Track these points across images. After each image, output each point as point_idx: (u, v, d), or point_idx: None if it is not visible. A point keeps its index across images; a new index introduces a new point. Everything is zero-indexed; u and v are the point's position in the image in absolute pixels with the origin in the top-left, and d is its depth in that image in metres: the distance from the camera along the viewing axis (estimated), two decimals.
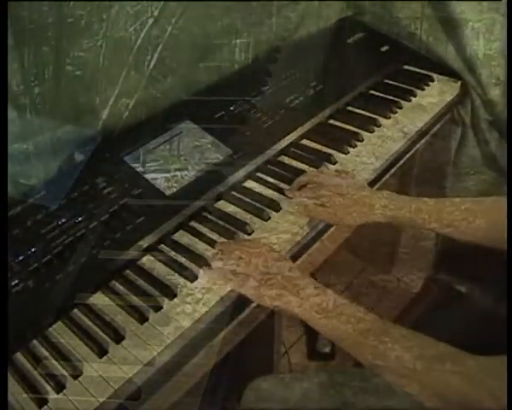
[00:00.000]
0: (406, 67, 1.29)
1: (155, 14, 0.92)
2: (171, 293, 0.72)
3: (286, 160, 0.99)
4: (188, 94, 1.05)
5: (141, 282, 0.74)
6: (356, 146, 1.01)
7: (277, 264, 0.72)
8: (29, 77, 0.79)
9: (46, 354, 0.65)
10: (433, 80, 1.22)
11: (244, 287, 0.71)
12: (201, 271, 0.75)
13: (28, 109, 0.80)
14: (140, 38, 0.92)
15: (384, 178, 1.00)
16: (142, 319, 0.68)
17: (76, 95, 0.88)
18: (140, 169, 0.89)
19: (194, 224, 0.84)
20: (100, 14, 0.86)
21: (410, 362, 0.57)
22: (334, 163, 0.97)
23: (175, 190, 0.86)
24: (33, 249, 0.74)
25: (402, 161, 1.05)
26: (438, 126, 1.15)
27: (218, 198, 0.89)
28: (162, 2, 0.92)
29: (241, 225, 0.82)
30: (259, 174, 0.94)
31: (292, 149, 1.00)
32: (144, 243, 0.78)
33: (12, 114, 0.77)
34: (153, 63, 0.96)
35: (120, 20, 0.89)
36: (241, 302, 0.73)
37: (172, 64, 1.00)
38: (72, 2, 0.81)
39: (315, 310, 0.66)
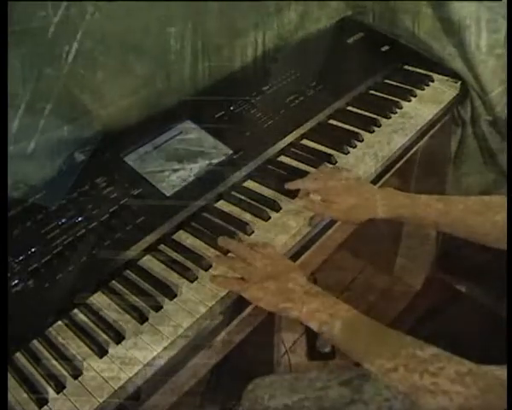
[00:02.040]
0: (406, 67, 1.29)
1: None
2: (171, 293, 0.72)
3: (286, 160, 0.99)
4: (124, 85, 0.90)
5: (141, 282, 0.74)
6: (356, 146, 1.01)
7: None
8: None
9: (46, 354, 0.65)
10: (433, 80, 1.22)
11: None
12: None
13: None
14: (53, 24, 0.74)
15: (384, 179, 1.00)
16: (142, 319, 0.68)
17: None
18: (140, 169, 0.89)
19: (194, 224, 0.84)
20: None
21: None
22: (335, 163, 0.97)
23: (175, 190, 0.86)
24: (33, 249, 0.74)
25: (402, 162, 1.05)
26: (438, 127, 1.15)
27: (218, 198, 0.89)
28: None
29: (241, 225, 0.82)
30: (259, 174, 0.94)
31: (292, 149, 1.00)
32: (144, 243, 0.78)
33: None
34: (71, 56, 0.79)
35: (24, 7, 0.71)
36: (241, 302, 0.73)
37: (99, 57, 0.84)
38: None
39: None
